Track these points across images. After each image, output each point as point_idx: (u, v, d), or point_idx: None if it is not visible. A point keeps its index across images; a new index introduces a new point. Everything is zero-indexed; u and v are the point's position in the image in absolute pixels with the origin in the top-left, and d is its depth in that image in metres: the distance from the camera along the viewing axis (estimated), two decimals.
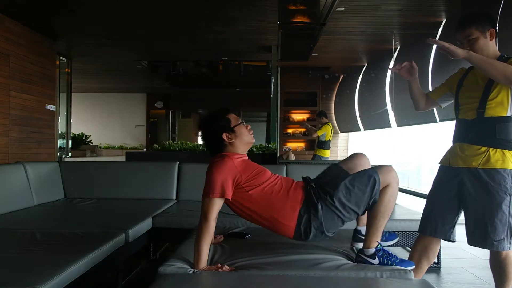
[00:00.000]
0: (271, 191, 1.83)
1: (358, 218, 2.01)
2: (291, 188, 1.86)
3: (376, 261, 1.80)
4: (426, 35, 5.56)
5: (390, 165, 1.91)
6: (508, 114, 1.94)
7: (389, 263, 1.79)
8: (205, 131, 1.94)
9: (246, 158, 1.93)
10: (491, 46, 2.00)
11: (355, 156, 2.02)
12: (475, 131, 1.99)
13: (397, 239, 2.04)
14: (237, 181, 1.80)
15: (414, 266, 1.88)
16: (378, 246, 1.82)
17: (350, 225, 2.60)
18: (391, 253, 1.83)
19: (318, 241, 2.05)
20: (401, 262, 1.81)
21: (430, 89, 5.19)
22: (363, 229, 1.96)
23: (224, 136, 1.89)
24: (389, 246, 1.99)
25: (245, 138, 1.92)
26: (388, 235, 2.01)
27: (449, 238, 2.11)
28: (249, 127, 1.97)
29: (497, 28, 2.02)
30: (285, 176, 3.43)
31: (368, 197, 1.78)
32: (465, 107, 2.05)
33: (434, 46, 4.96)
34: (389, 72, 6.91)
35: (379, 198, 1.79)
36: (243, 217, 1.90)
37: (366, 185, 1.77)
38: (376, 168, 1.83)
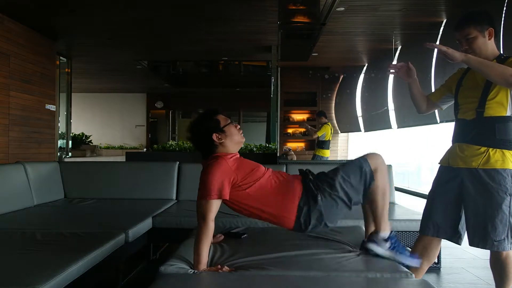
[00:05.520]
0: (269, 186, 1.85)
1: (366, 229, 2.04)
2: (288, 181, 1.89)
3: (388, 244, 1.84)
4: (426, 35, 5.60)
5: (377, 153, 1.96)
6: (508, 114, 1.93)
7: (399, 251, 1.84)
8: (195, 133, 1.94)
9: (238, 156, 1.95)
10: (490, 45, 1.99)
11: None
12: (475, 131, 1.98)
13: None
14: (233, 181, 1.82)
15: (418, 265, 1.94)
16: (392, 234, 1.87)
17: (350, 222, 2.62)
18: (404, 246, 1.87)
19: (318, 239, 2.05)
20: (411, 256, 1.87)
21: (433, 89, 5.22)
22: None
23: (214, 136, 1.89)
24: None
25: (235, 138, 1.94)
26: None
27: (453, 240, 2.10)
28: (238, 126, 1.98)
29: (501, 28, 2.01)
30: None
31: (363, 183, 1.86)
32: (465, 107, 2.05)
33: None
34: None
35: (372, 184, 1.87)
36: (242, 214, 1.92)
37: (360, 174, 1.85)
38: (365, 156, 1.91)
